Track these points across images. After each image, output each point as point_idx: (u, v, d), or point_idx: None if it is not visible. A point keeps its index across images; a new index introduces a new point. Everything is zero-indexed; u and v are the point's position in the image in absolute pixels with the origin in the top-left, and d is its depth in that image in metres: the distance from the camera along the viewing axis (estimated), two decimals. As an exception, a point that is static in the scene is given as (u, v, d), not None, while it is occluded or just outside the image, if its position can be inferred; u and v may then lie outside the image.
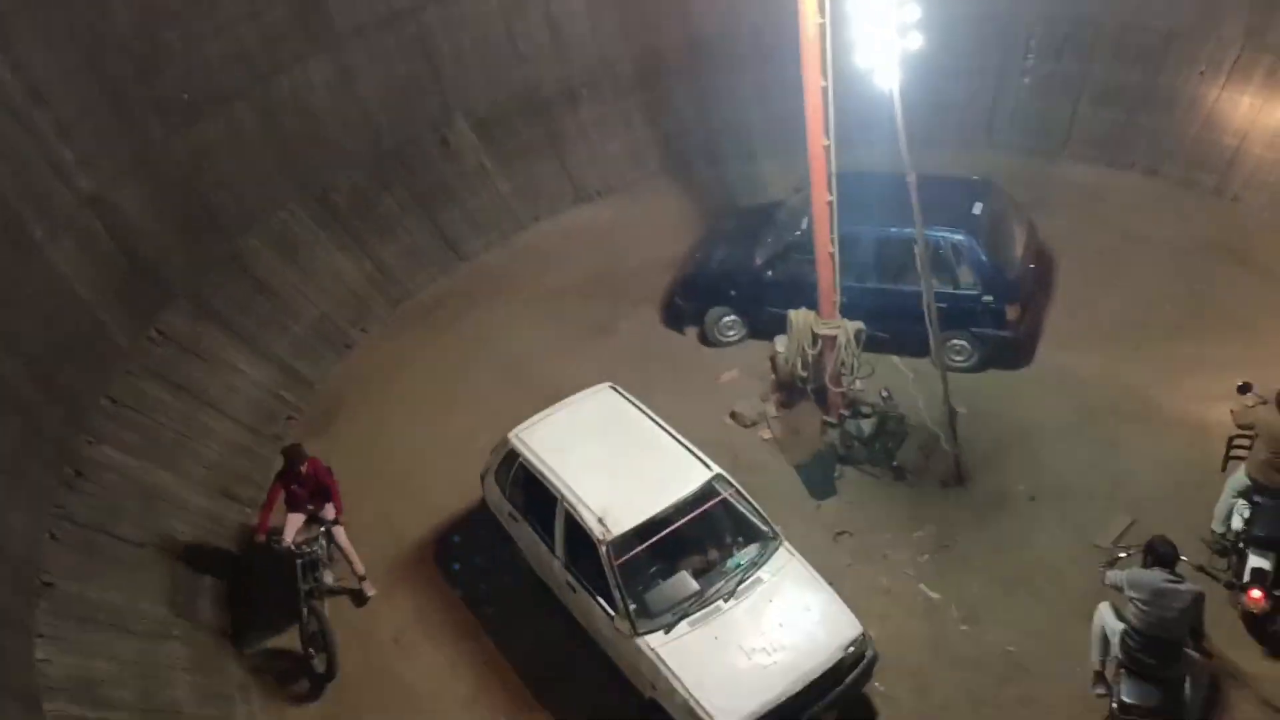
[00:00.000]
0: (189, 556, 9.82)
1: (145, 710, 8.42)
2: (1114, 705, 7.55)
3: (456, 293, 13.20)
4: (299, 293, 12.21)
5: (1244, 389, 8.62)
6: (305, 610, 9.19)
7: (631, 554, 8.43)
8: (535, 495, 9.17)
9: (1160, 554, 7.33)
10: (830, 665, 8.01)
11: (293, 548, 9.26)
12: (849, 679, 8.12)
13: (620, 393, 9.69)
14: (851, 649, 8.13)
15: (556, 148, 14.21)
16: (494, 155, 13.88)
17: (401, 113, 13.22)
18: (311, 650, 9.23)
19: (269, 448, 11.15)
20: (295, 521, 9.52)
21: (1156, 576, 7.26)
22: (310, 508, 9.58)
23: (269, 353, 11.70)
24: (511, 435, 9.50)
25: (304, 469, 9.40)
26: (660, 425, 9.30)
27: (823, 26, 8.31)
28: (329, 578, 9.62)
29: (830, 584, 8.72)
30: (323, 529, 9.51)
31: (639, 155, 14.46)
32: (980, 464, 10.14)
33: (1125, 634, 7.48)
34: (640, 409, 9.49)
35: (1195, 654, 7.71)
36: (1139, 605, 7.31)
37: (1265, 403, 8.45)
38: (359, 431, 11.53)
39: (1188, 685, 7.52)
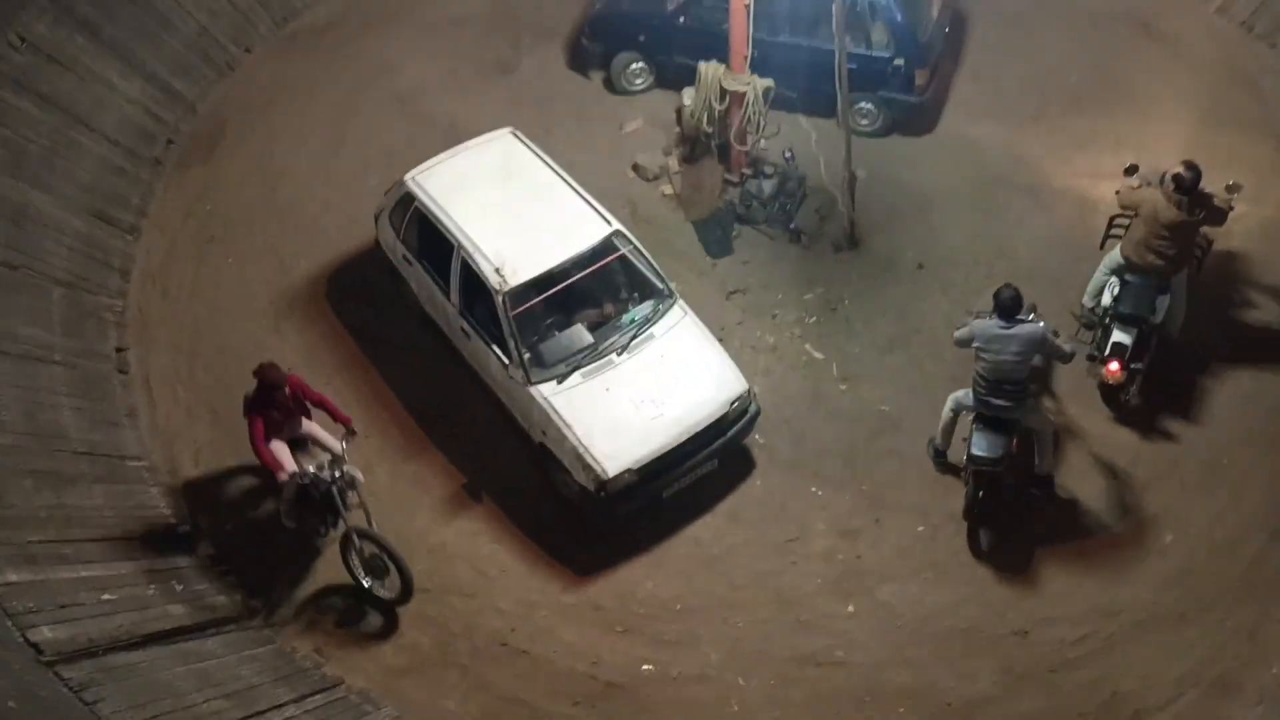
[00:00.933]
0: (69, 280, 9.49)
1: (29, 434, 8.36)
2: (965, 459, 8.17)
3: (349, 14, 12.31)
4: (173, 0, 11.24)
5: (1130, 171, 8.82)
6: (355, 539, 7.99)
7: (528, 305, 8.49)
8: (431, 240, 9.04)
9: (999, 301, 7.78)
10: (715, 419, 8.38)
11: (330, 477, 7.74)
12: (732, 432, 8.53)
13: (521, 139, 9.43)
14: (736, 404, 8.48)
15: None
16: None
17: None
18: (372, 579, 8.17)
19: (149, 171, 10.67)
20: (283, 450, 8.06)
21: (992, 323, 7.79)
22: (286, 430, 8.11)
23: (143, 67, 10.85)
24: (408, 178, 9.23)
25: (285, 392, 7.89)
26: (561, 176, 9.14)
27: None
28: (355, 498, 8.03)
29: (720, 341, 8.99)
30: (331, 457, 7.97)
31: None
32: (874, 229, 10.31)
33: (974, 380, 8.03)
34: (541, 157, 9.28)
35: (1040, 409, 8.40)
36: (980, 352, 7.86)
37: (1149, 185, 8.71)
38: (243, 160, 11.05)
39: (1035, 437, 8.25)
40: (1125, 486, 8.61)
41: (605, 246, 8.73)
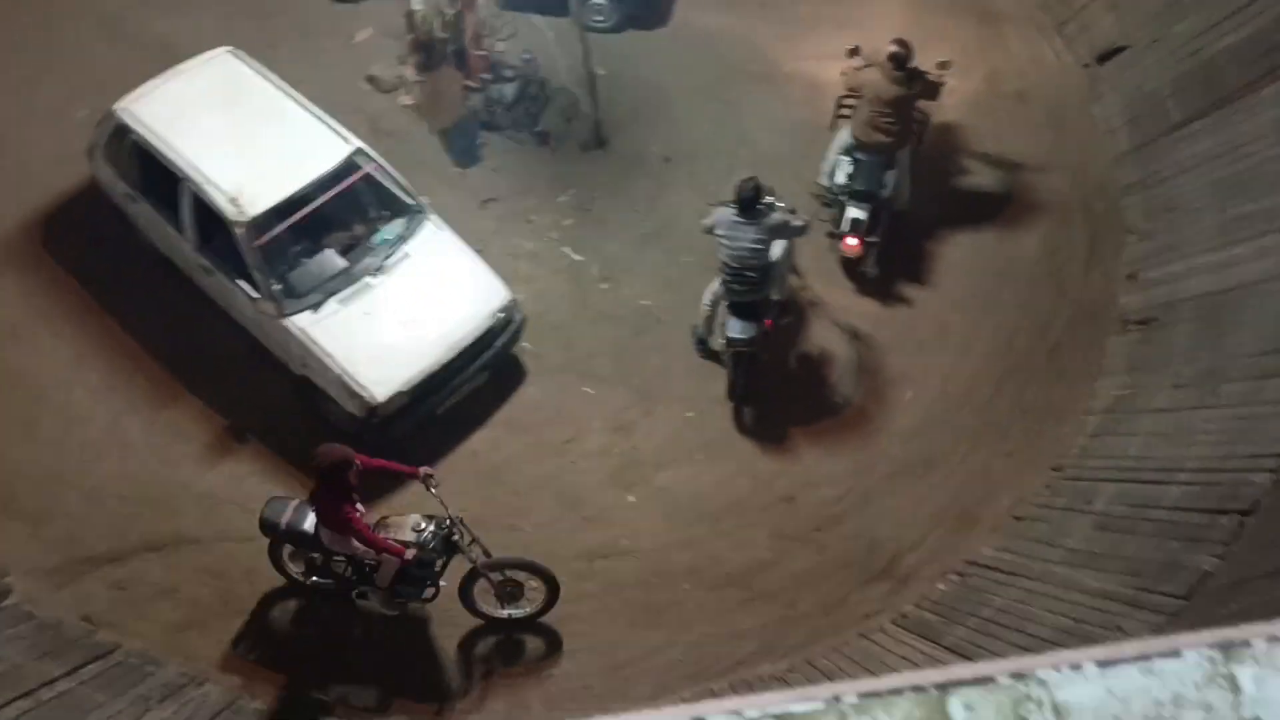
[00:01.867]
0: None
1: None
2: (723, 342, 8.55)
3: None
4: None
5: (853, 52, 9.24)
6: (482, 577, 7.48)
7: (272, 235, 8.12)
8: (154, 174, 8.47)
9: (738, 194, 8.15)
10: (481, 332, 8.37)
11: (444, 531, 7.20)
12: (499, 343, 8.56)
13: (242, 59, 8.88)
14: (501, 314, 8.49)
15: None
16: None
17: None
18: (510, 606, 7.75)
19: None
20: (384, 528, 7.25)
21: (731, 212, 8.14)
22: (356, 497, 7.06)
23: None
24: (119, 108, 8.55)
25: (357, 468, 6.87)
26: (291, 95, 8.70)
27: None
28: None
29: (478, 251, 8.93)
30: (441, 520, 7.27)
31: None
32: (619, 126, 10.40)
33: (720, 267, 8.38)
34: (267, 77, 8.79)
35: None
36: (720, 240, 8.23)
37: (870, 65, 9.16)
38: (-76, 99, 9.91)
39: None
40: (869, 352, 9.25)
41: (347, 166, 8.43)
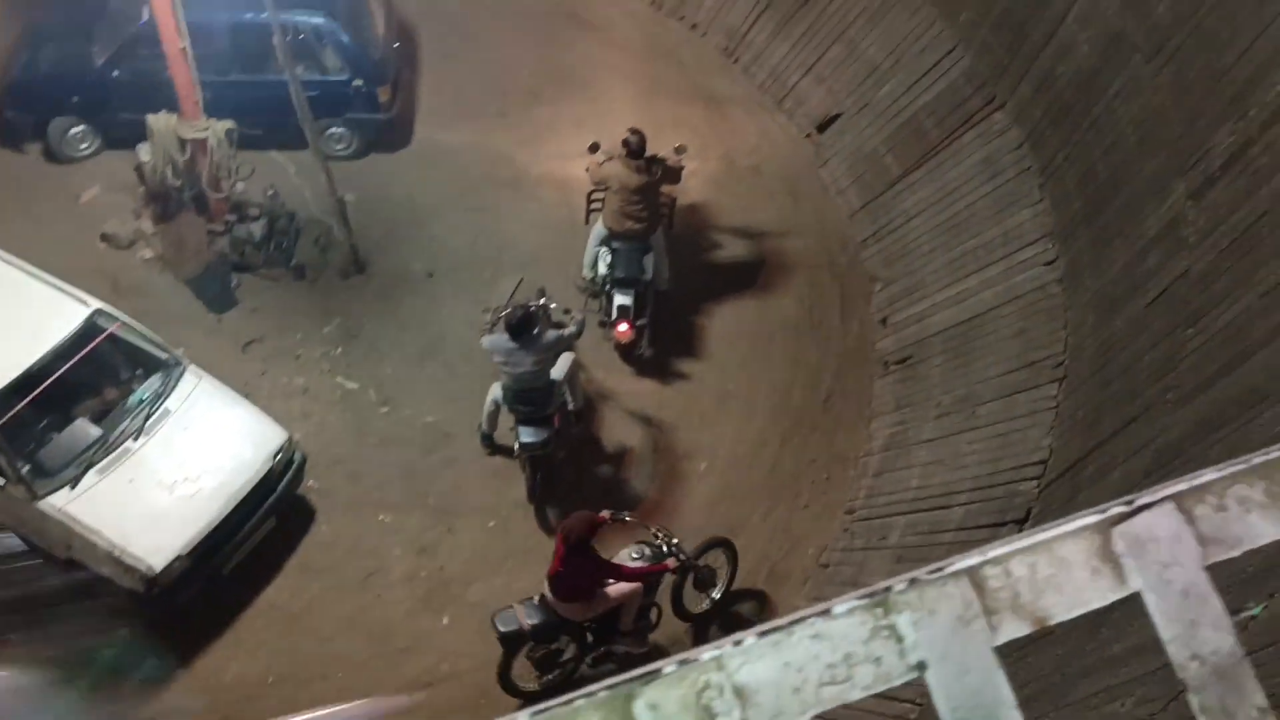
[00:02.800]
0: None
1: None
2: (515, 448, 8.52)
3: None
4: None
5: (594, 148, 9.59)
6: (692, 573, 7.92)
7: (11, 414, 7.54)
8: None
9: (508, 324, 8.12)
10: (259, 479, 8.02)
11: (657, 539, 7.77)
12: (281, 487, 8.22)
13: (-44, 236, 8.32)
14: (278, 456, 8.17)
15: None
16: None
17: None
18: (708, 591, 8.19)
19: None
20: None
21: (502, 339, 8.13)
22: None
23: None
24: None
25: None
26: (17, 265, 8.21)
27: None
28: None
29: (246, 395, 8.61)
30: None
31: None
32: (376, 248, 10.34)
33: (504, 389, 8.35)
34: (-13, 252, 8.26)
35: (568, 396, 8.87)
36: (501, 366, 8.21)
37: (612, 158, 9.53)
38: None
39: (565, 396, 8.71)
40: (658, 432, 9.43)
41: (88, 329, 7.97)
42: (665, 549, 7.65)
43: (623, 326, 9.37)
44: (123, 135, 10.21)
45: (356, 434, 9.19)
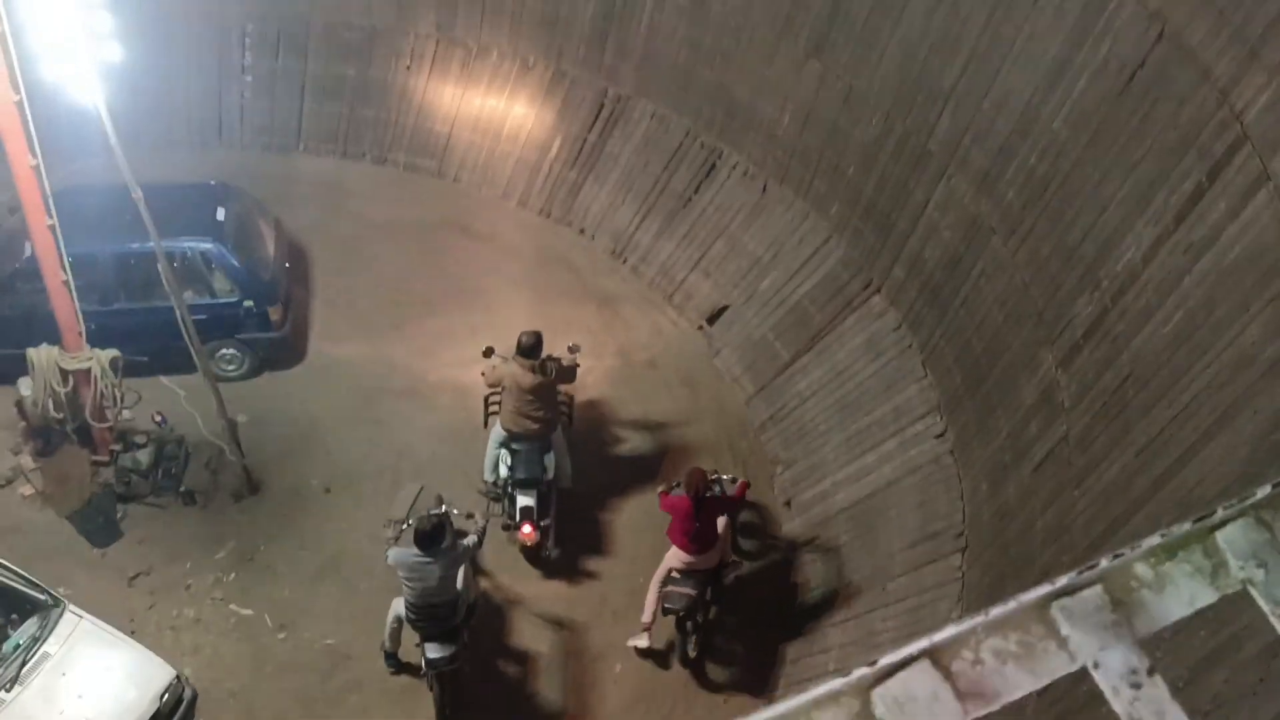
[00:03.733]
0: None
1: None
2: (422, 665, 8.19)
3: None
4: None
5: (488, 353, 9.67)
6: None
7: None
8: None
9: (418, 535, 7.90)
10: (146, 720, 7.51)
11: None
12: (170, 729, 7.70)
13: None
14: (165, 697, 7.70)
15: None
16: None
17: None
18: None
19: None
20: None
21: (409, 553, 7.92)
22: None
23: None
24: None
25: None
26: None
27: (2, 35, 7.43)
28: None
29: (132, 633, 8.19)
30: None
31: None
32: (271, 468, 10.13)
33: (406, 605, 8.08)
34: None
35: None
36: (406, 580, 7.96)
37: (506, 360, 9.61)
38: None
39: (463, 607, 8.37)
40: (570, 634, 9.18)
41: (-43, 575, 7.56)
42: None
43: (526, 528, 9.24)
44: (2, 371, 9.98)
45: (252, 663, 8.74)
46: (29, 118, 7.88)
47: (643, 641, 8.96)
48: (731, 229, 11.73)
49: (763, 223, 11.49)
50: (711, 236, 11.87)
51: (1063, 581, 1.49)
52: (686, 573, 8.68)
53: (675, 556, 8.67)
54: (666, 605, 8.64)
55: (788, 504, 10.21)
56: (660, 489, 9.02)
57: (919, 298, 9.72)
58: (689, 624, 8.88)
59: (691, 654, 8.97)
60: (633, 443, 10.76)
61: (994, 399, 8.52)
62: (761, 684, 8.87)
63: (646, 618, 8.85)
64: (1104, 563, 1.52)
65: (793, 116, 11.02)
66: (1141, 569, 1.54)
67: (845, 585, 9.08)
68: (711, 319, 11.77)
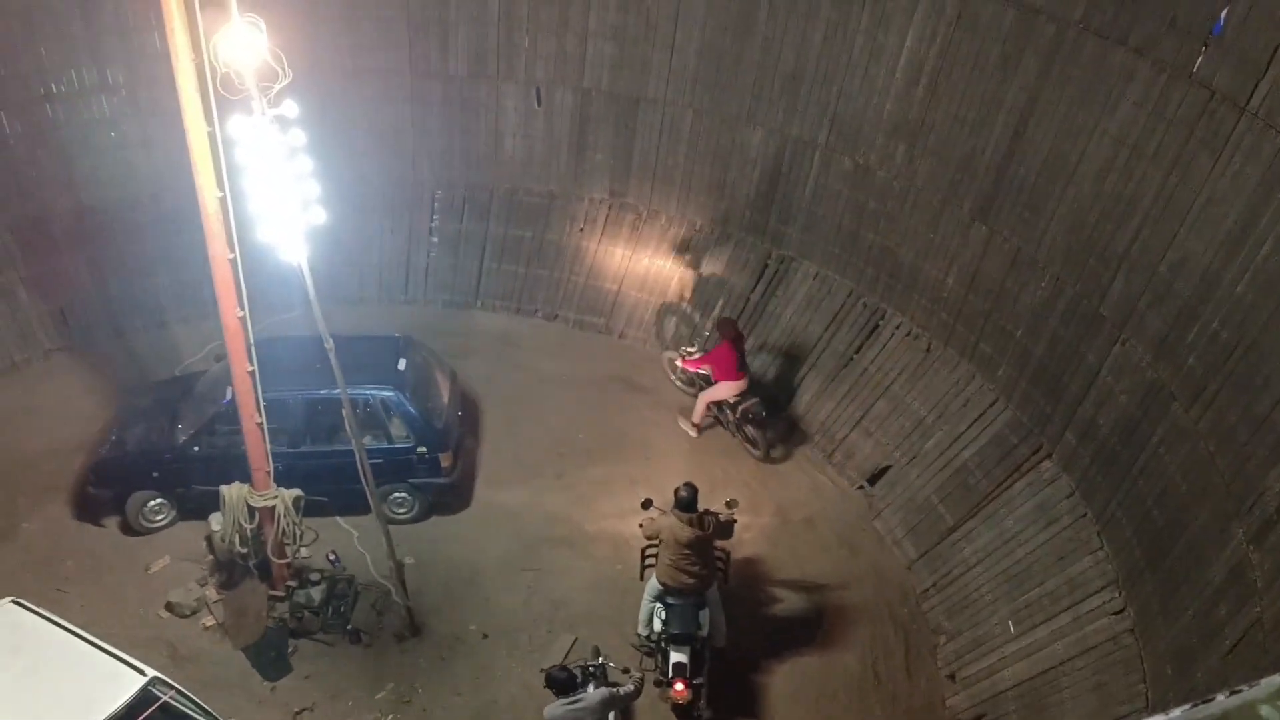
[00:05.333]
0: None
1: None
2: None
3: None
4: None
5: (646, 504, 9.78)
6: None
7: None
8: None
9: (554, 683, 7.99)
10: None
11: None
12: None
13: (26, 607, 8.50)
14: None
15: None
16: None
17: None
18: None
19: None
20: None
21: (558, 706, 7.96)
22: None
23: None
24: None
25: None
26: (78, 635, 8.31)
27: (223, 200, 8.24)
28: None
29: (293, 769, 8.33)
30: None
31: (28, 333, 13.03)
32: (432, 611, 10.36)
33: None
34: (53, 621, 8.40)
35: None
36: None
37: (664, 513, 9.68)
38: None
39: None
40: (721, 801, 8.87)
41: (142, 698, 7.91)
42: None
43: (679, 685, 9.09)
44: (196, 507, 10.68)
45: (403, 810, 8.76)
46: (241, 274, 8.63)
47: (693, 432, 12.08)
48: (894, 389, 11.66)
49: (926, 383, 11.38)
50: (873, 396, 11.81)
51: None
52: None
53: (726, 389, 11.74)
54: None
55: (951, 677, 9.75)
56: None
57: (1093, 464, 9.36)
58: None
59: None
60: (789, 603, 10.55)
61: (1178, 575, 8.03)
62: None
63: (697, 419, 12.13)
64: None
65: (958, 278, 11.02)
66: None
67: (1015, 769, 8.53)
68: (872, 479, 11.60)
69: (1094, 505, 9.31)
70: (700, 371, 12.49)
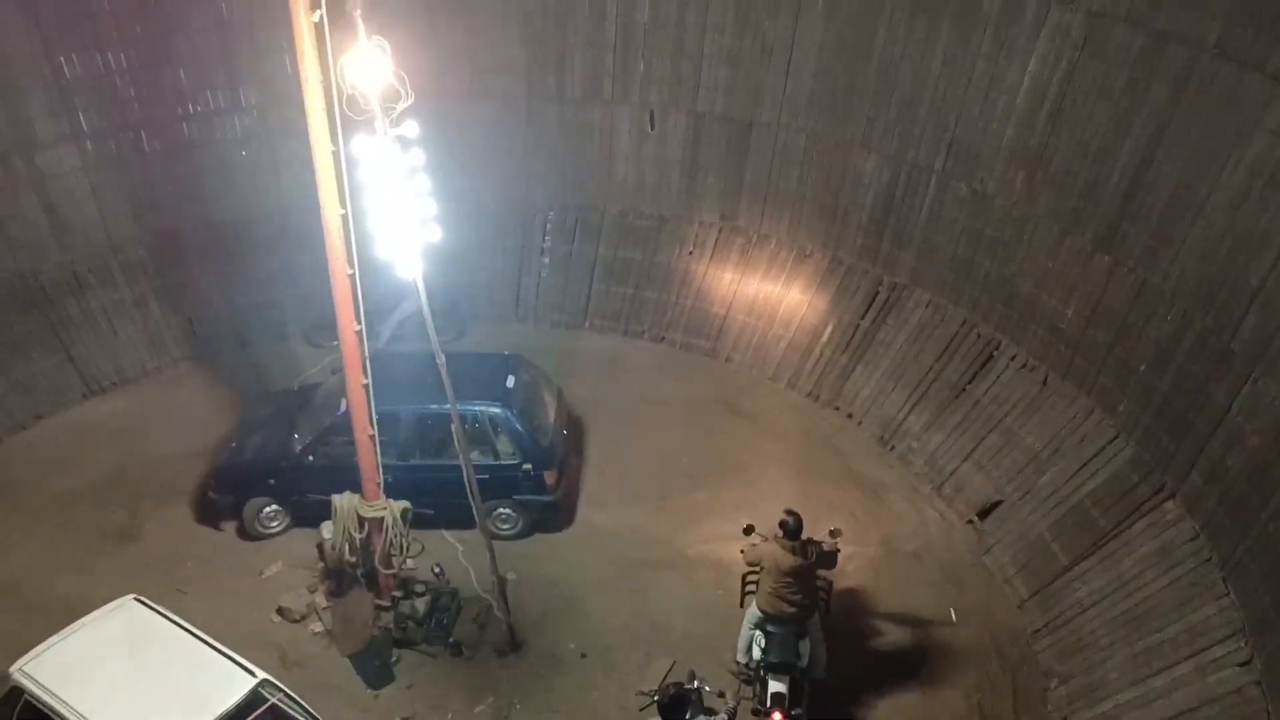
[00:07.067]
0: None
1: None
2: None
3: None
4: None
5: (748, 530, 9.66)
6: None
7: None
8: (50, 733, 8.02)
9: (660, 704, 7.84)
10: None
11: None
12: None
13: (147, 604, 8.85)
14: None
15: (60, 337, 13.02)
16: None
17: None
18: None
19: None
20: None
21: None
22: None
23: None
24: (14, 670, 8.28)
25: None
26: (195, 634, 8.60)
27: (345, 218, 8.49)
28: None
29: (392, 777, 8.45)
30: None
31: (158, 342, 13.64)
32: (532, 628, 10.42)
33: None
34: (171, 619, 8.72)
35: None
36: None
37: (766, 540, 9.57)
38: None
39: None
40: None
41: (253, 699, 8.15)
42: None
43: (776, 715, 8.94)
44: (309, 515, 10.96)
45: (499, 824, 8.81)
46: (359, 290, 8.88)
47: None
48: (1007, 422, 11.34)
49: (1042, 417, 11.04)
50: (985, 428, 11.51)
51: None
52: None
53: None
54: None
55: (1064, 722, 9.38)
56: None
57: (1219, 507, 8.94)
58: None
59: None
60: (892, 637, 10.31)
61: (1312, 628, 7.60)
62: None
63: None
64: None
65: (1078, 310, 10.68)
66: None
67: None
68: (983, 514, 11.28)
69: (1220, 549, 8.89)
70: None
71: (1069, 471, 10.54)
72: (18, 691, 8.15)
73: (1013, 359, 11.51)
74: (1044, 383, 11.13)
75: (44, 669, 8.24)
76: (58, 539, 11.13)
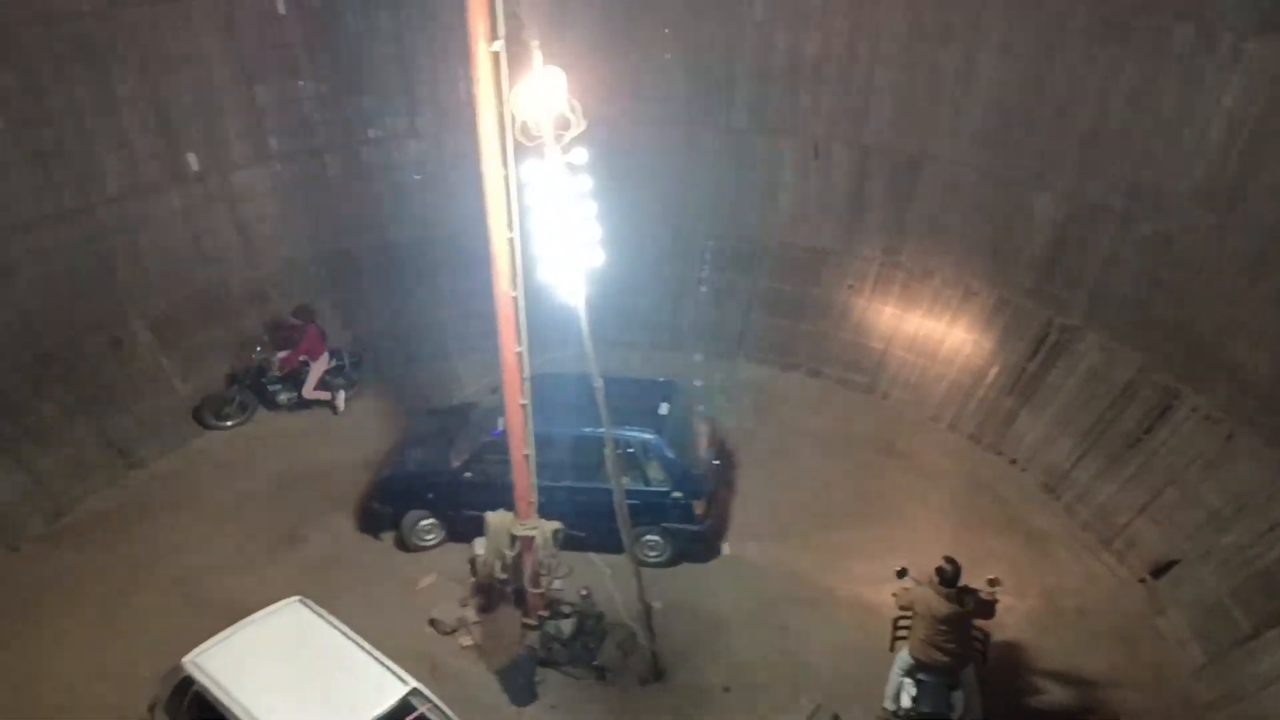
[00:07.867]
0: None
1: None
2: None
3: (126, 504, 12.22)
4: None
5: (901, 573, 9.38)
6: None
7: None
8: (213, 725, 8.40)
9: None
10: None
11: None
12: None
13: (310, 607, 9.20)
14: None
15: (245, 348, 13.78)
16: (173, 355, 13.25)
17: (65, 312, 12.41)
18: None
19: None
20: None
21: None
22: None
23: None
24: (186, 661, 8.72)
25: None
26: (353, 639, 8.88)
27: (512, 241, 8.69)
28: None
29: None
30: None
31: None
32: (676, 658, 10.34)
33: None
34: (331, 623, 9.03)
35: None
36: None
37: (920, 584, 9.26)
38: None
39: None
40: None
41: (403, 707, 8.34)
42: None
43: (927, 768, 8.62)
44: (463, 530, 11.22)
45: None
46: (522, 311, 9.06)
47: None
48: (1187, 476, 10.68)
49: (1225, 473, 10.36)
50: (1162, 482, 10.87)
51: None
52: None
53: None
54: None
55: (1240, 803, 8.71)
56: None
57: None
58: None
59: None
60: (1052, 696, 9.79)
61: None
62: None
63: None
64: None
65: (1269, 362, 10.00)
66: None
67: None
68: (1157, 572, 10.63)
69: None
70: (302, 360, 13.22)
71: (1256, 532, 9.84)
72: (189, 681, 8.57)
73: (1194, 410, 10.85)
74: (1229, 437, 10.45)
75: (213, 662, 8.65)
76: (231, 540, 11.71)
